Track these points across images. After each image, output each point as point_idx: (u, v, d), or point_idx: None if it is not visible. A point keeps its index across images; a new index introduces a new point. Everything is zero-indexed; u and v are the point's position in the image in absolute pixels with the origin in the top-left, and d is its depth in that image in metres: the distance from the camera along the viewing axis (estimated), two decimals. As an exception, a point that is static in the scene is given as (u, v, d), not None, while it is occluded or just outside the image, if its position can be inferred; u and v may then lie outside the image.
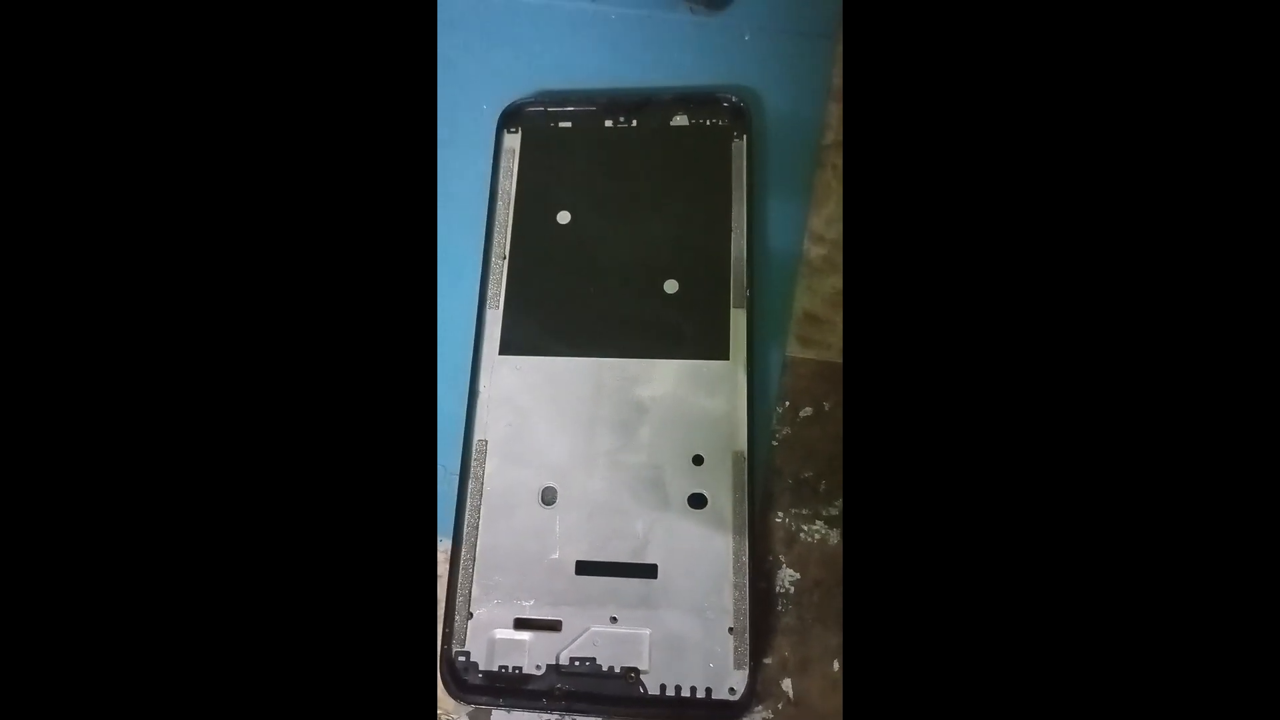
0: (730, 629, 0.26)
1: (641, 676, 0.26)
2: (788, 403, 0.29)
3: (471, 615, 0.27)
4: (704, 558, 0.27)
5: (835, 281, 0.30)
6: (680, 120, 0.32)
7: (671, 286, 0.30)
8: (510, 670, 0.27)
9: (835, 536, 0.28)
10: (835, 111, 0.32)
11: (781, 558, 0.28)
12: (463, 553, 0.28)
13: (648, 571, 0.27)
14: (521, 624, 0.27)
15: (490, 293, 0.31)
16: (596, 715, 0.26)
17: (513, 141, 0.33)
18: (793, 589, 0.27)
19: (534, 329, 0.30)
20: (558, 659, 0.26)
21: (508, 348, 0.30)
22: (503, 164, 0.32)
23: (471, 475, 0.29)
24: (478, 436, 0.29)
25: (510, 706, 0.26)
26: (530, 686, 0.26)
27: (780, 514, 0.28)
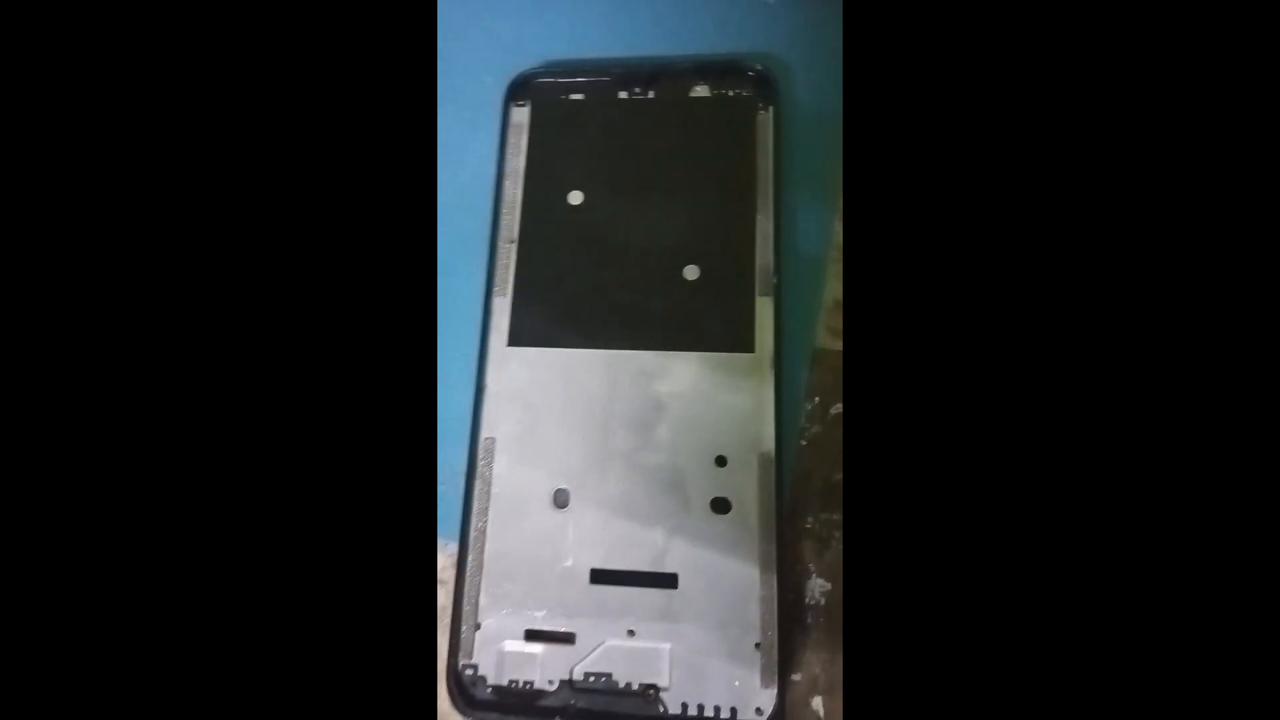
0: (757, 644, 0.24)
1: (661, 694, 0.24)
2: (817, 399, 0.27)
3: (479, 626, 0.25)
4: (728, 567, 0.25)
5: (868, 266, 0.28)
6: (701, 91, 0.30)
7: (692, 273, 0.28)
8: (521, 685, 0.25)
9: (868, 543, 0.26)
10: (869, 81, 0.29)
11: (811, 567, 0.26)
12: (470, 559, 0.26)
13: (667, 581, 0.25)
14: (533, 636, 0.25)
15: (498, 279, 0.29)
16: (613, 735, 0.24)
17: (520, 115, 0.30)
18: (823, 600, 0.26)
19: (545, 318, 0.28)
20: (571, 674, 0.25)
21: (517, 339, 0.28)
22: (510, 140, 0.30)
23: (479, 476, 0.27)
24: (485, 434, 0.27)
25: (521, 725, 0.25)
26: (543, 703, 0.25)
27: (810, 519, 0.26)
